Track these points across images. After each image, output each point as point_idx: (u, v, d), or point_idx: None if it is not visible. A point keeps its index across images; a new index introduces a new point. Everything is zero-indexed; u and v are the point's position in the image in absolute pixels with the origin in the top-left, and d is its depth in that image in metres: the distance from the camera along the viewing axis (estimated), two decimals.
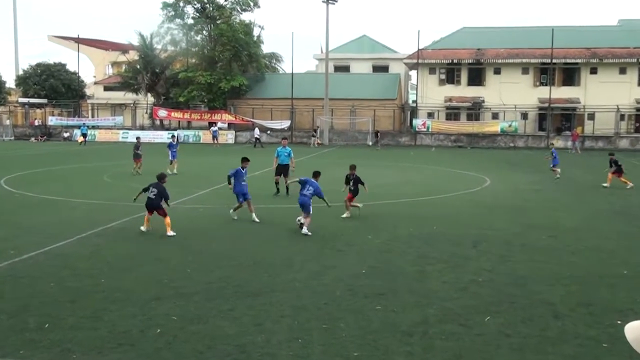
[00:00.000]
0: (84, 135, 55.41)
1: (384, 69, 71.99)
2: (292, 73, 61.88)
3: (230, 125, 61.76)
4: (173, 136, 37.33)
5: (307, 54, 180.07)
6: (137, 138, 30.87)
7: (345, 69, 72.73)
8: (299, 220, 14.28)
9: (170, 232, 13.56)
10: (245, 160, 15.94)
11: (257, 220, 15.30)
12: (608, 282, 10.22)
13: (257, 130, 53.63)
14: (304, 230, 13.80)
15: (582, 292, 9.65)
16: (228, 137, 59.47)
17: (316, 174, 15.12)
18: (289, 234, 14.05)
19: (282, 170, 21.13)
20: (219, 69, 61.40)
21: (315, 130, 55.27)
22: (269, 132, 56.95)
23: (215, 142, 54.12)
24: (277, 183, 21.10)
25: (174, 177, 24.29)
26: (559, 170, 27.01)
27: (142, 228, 13.96)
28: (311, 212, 14.07)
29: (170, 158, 27.89)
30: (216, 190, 21.94)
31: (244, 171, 15.70)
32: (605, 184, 23.87)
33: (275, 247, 12.68)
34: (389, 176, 27.33)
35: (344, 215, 16.18)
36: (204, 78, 59.99)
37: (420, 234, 14.14)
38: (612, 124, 56.59)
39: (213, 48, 62.01)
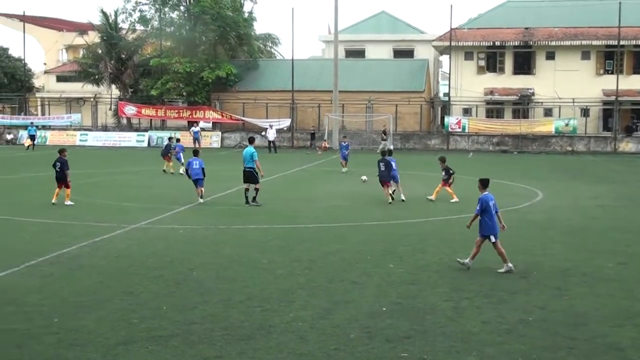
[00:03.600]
0: (32, 137, 55.46)
1: (408, 53, 72.11)
2: (293, 59, 62.00)
3: (216, 125, 61.84)
4: (170, 138, 37.97)
5: (312, 35, 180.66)
6: (169, 139, 37.36)
7: (360, 53, 72.89)
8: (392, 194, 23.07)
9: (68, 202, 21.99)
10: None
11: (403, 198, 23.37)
12: None
13: (272, 132, 53.21)
14: (402, 196, 23.45)
15: None
16: (212, 139, 59.53)
17: (389, 152, 24.83)
18: (289, 261, 14.08)
19: (248, 176, 22.50)
20: (200, 55, 61.52)
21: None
22: (263, 133, 56.83)
23: (197, 145, 54.19)
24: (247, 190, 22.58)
25: (143, 191, 24.30)
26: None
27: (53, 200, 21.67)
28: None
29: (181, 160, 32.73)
30: (199, 207, 21.95)
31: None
32: (430, 197, 24.19)
33: (273, 278, 12.69)
34: (414, 188, 27.29)
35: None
36: (182, 66, 59.99)
37: (455, 261, 14.15)
38: None
39: (193, 28, 62.19)
